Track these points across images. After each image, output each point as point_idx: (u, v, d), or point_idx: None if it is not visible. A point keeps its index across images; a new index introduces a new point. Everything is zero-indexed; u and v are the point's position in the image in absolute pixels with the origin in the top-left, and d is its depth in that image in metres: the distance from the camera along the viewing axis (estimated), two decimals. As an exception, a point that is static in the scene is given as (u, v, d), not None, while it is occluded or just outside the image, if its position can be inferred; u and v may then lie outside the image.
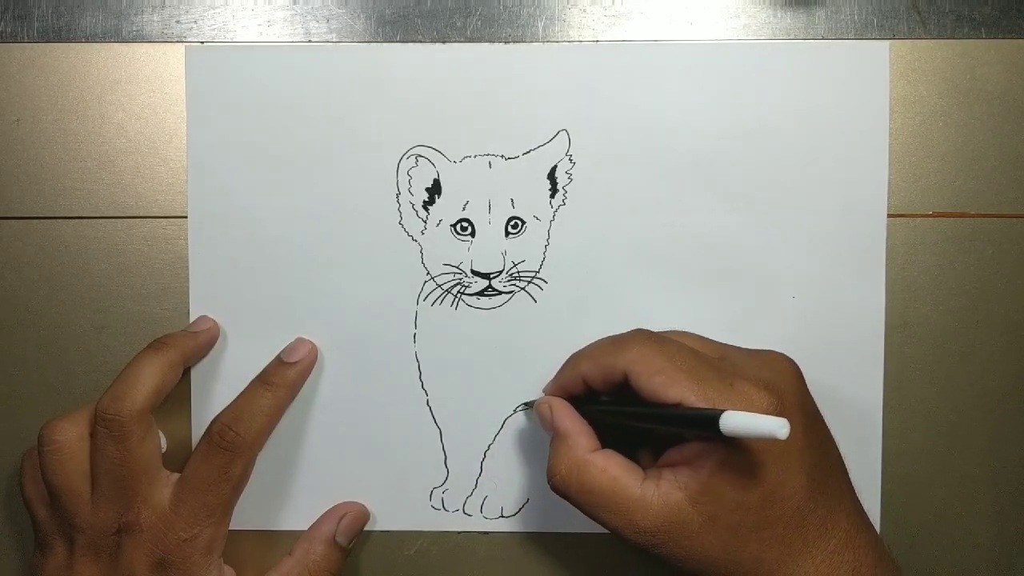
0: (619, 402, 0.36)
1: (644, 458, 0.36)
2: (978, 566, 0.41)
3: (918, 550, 0.41)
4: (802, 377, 0.36)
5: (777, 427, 0.29)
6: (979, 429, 0.41)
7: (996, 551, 0.41)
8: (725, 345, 0.38)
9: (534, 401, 0.39)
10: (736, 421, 0.30)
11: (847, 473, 0.36)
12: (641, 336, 0.36)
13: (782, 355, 0.36)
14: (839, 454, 0.36)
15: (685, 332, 0.39)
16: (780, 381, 0.34)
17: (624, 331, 0.38)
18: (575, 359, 0.38)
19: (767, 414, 0.32)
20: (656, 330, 0.37)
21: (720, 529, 0.33)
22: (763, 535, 0.33)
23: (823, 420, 0.36)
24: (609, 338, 0.38)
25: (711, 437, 0.32)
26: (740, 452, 0.33)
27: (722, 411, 0.30)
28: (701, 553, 0.33)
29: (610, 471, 0.34)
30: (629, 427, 0.36)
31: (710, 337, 0.38)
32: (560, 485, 0.35)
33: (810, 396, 0.36)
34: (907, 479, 0.41)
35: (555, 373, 0.39)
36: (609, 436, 0.36)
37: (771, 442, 0.32)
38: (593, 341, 0.39)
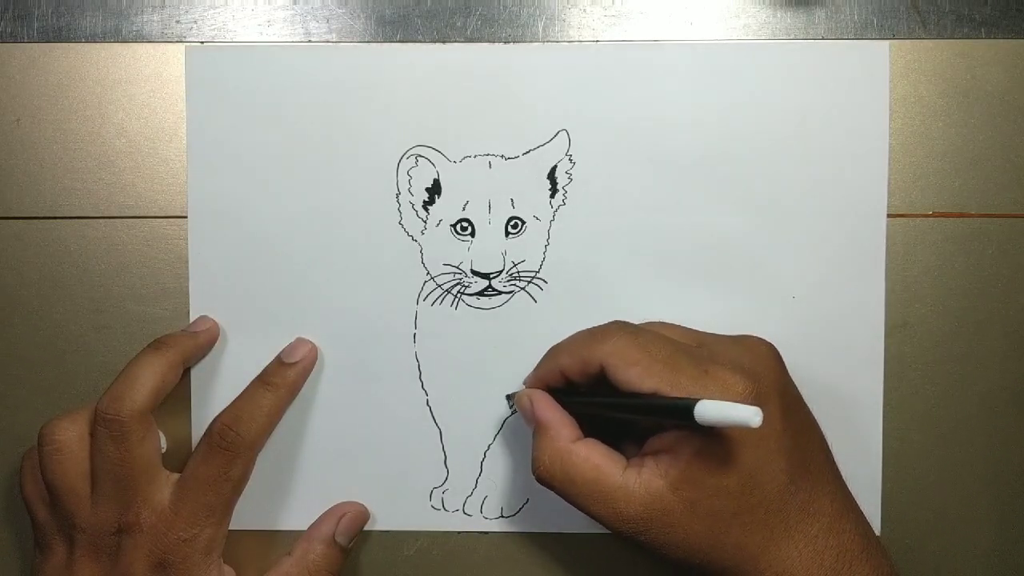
0: (598, 393, 0.36)
1: (629, 448, 0.36)
2: (978, 566, 0.41)
3: (918, 550, 0.41)
4: (781, 361, 0.36)
5: (750, 415, 0.29)
6: (979, 429, 0.41)
7: (997, 551, 0.41)
8: (704, 333, 0.38)
9: (515, 392, 0.39)
10: (710, 410, 0.30)
11: (831, 457, 0.36)
12: (618, 328, 0.36)
13: (760, 339, 0.36)
14: (822, 438, 0.36)
15: (663, 323, 0.39)
16: (757, 365, 0.35)
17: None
18: (554, 352, 0.38)
19: (743, 399, 0.32)
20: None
21: (701, 515, 0.33)
22: (744, 520, 0.33)
23: (804, 404, 0.36)
24: (586, 331, 0.38)
25: (688, 426, 0.32)
26: (718, 438, 0.33)
27: (696, 400, 0.30)
28: (684, 540, 0.33)
29: (592, 460, 0.34)
30: (610, 418, 0.36)
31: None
32: (544, 475, 0.35)
33: (790, 380, 0.36)
34: (907, 479, 0.41)
35: (534, 366, 0.39)
36: (593, 427, 0.36)
37: (748, 428, 0.32)
38: (572, 334, 0.38)
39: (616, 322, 0.37)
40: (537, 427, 0.36)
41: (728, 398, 0.33)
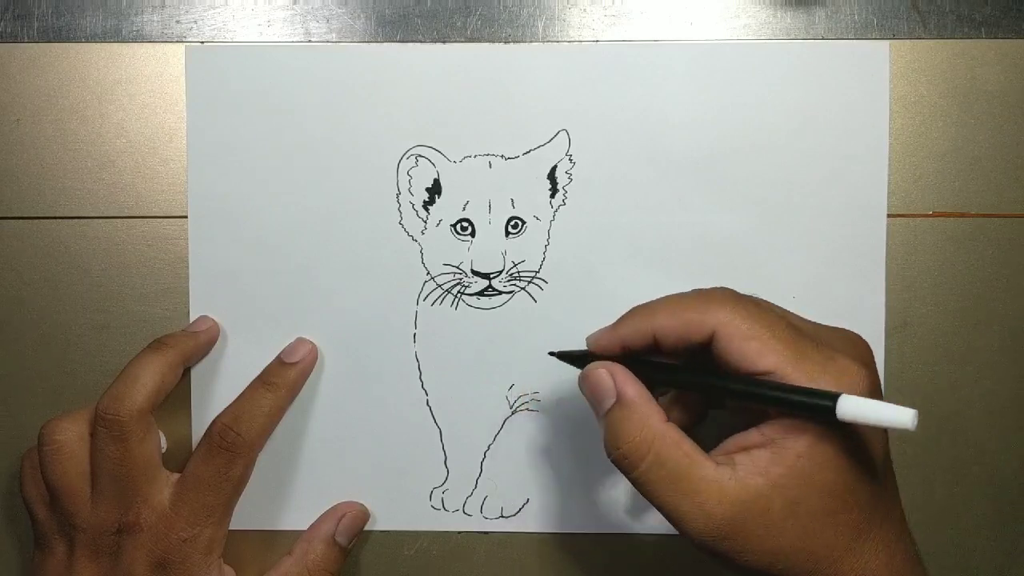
0: (698, 369, 0.34)
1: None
2: (978, 566, 0.41)
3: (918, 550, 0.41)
4: (874, 357, 0.33)
5: (908, 418, 0.27)
6: (979, 429, 0.41)
7: (997, 551, 0.41)
8: (804, 318, 0.34)
9: (568, 352, 0.36)
10: (856, 407, 0.28)
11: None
12: (728, 294, 0.33)
13: (859, 335, 0.34)
14: None
15: (764, 300, 0.34)
16: (867, 359, 0.32)
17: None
18: (648, 310, 0.33)
19: (863, 392, 0.30)
20: None
21: (801, 515, 0.30)
22: (839, 519, 0.31)
23: None
24: (690, 293, 0.34)
25: (817, 420, 0.30)
26: (832, 434, 0.30)
27: (838, 394, 0.28)
28: (775, 544, 0.30)
29: (684, 447, 0.31)
30: (706, 394, 0.34)
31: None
32: (631, 454, 0.31)
33: None
34: (907, 479, 0.41)
35: (614, 322, 0.34)
36: None
37: (866, 425, 0.30)
38: (664, 296, 0.34)
39: (723, 288, 0.33)
40: (619, 402, 0.32)
41: (851, 390, 0.30)
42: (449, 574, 0.41)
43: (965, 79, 0.40)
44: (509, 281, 0.40)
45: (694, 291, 0.34)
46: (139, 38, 0.41)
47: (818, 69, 0.40)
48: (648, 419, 0.32)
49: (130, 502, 0.37)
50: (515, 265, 0.40)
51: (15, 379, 0.41)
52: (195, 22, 0.41)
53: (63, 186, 0.41)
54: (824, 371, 0.30)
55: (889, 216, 0.40)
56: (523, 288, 0.40)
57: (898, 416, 0.27)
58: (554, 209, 0.40)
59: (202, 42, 0.41)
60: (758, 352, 0.31)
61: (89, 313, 0.41)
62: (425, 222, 0.40)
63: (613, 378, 0.33)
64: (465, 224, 0.40)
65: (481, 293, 0.40)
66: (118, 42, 0.41)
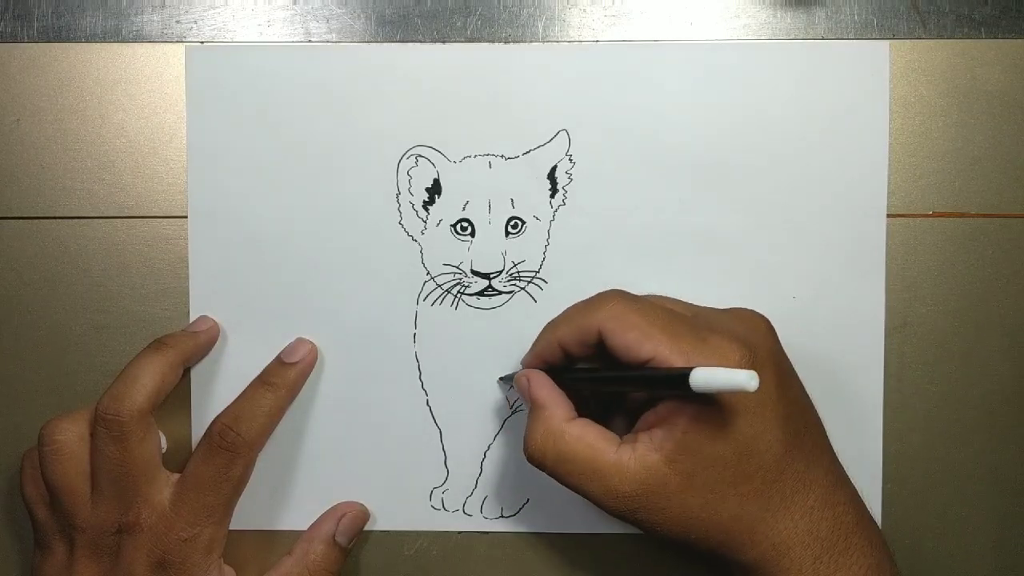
0: (594, 369, 0.37)
1: (620, 429, 0.36)
2: (979, 567, 0.41)
3: (918, 550, 0.41)
4: (775, 332, 0.36)
5: (746, 380, 0.29)
6: (980, 429, 0.41)
7: (997, 552, 0.41)
8: (698, 305, 0.38)
9: (513, 374, 0.39)
10: (705, 376, 0.29)
11: (824, 431, 0.36)
12: (614, 295, 0.36)
13: (754, 311, 0.36)
14: (815, 412, 0.36)
15: (659, 295, 0.39)
16: (752, 335, 0.34)
17: None
18: (550, 325, 0.38)
19: (740, 366, 0.32)
20: None
21: (698, 487, 0.33)
22: (741, 490, 0.33)
23: (797, 377, 0.36)
24: (582, 301, 0.38)
25: (682, 395, 0.32)
26: (713, 407, 0.33)
27: (691, 369, 0.30)
28: (680, 514, 0.33)
29: (586, 439, 0.34)
30: (604, 394, 0.36)
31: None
32: (536, 454, 0.35)
33: (783, 352, 0.36)
34: (907, 479, 0.41)
35: (531, 344, 0.39)
36: (587, 411, 0.36)
37: (744, 395, 0.32)
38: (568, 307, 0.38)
39: (612, 290, 0.37)
40: (532, 406, 0.36)
41: (725, 365, 0.32)
42: (449, 574, 0.41)
43: (965, 79, 0.40)
44: (509, 281, 0.40)
45: (586, 299, 0.37)
46: (139, 38, 0.41)
47: (818, 69, 0.40)
48: (550, 420, 0.35)
49: (130, 502, 0.37)
50: (515, 265, 0.40)
51: (15, 379, 0.41)
52: (195, 22, 0.41)
53: (63, 186, 0.41)
54: (696, 350, 0.33)
55: (889, 216, 0.40)
56: (523, 288, 0.40)
57: (740, 379, 0.29)
58: (554, 209, 0.40)
59: (202, 42, 0.41)
60: (637, 341, 0.33)
61: (89, 313, 0.41)
62: (425, 222, 0.40)
63: (528, 383, 0.37)
64: (465, 224, 0.40)
65: (481, 293, 0.40)
66: (118, 42, 0.41)
